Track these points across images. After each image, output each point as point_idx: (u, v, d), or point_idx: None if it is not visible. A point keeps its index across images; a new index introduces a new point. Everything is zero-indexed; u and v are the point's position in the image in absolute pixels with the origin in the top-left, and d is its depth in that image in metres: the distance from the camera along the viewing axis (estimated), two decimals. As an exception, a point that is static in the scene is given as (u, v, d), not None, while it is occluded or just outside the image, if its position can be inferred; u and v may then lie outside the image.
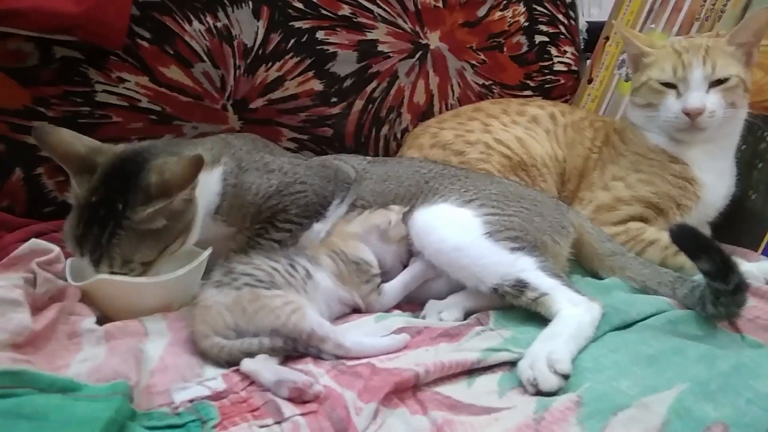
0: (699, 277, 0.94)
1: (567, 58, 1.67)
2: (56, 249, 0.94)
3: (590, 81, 1.64)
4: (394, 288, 1.03)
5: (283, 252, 0.97)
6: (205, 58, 1.33)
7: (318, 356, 0.85)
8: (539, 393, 0.78)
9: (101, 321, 0.92)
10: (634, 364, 0.82)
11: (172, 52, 1.30)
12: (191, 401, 0.75)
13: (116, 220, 0.90)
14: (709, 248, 0.89)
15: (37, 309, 0.86)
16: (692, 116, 1.16)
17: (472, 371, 0.83)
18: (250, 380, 0.79)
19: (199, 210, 0.98)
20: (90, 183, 0.93)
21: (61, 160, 0.94)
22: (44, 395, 0.69)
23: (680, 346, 0.85)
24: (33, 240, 0.94)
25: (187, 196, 0.93)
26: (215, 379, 0.79)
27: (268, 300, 0.85)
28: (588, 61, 1.69)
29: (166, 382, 0.78)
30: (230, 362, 0.83)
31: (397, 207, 1.07)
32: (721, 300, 0.89)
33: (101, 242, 0.90)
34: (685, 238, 0.92)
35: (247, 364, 0.80)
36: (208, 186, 1.01)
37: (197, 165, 0.90)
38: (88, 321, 0.89)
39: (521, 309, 0.95)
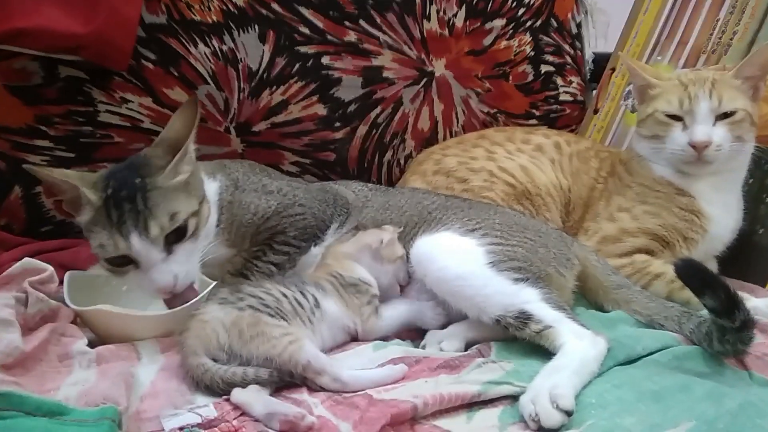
0: (706, 312, 0.92)
1: (573, 88, 1.67)
2: (49, 268, 0.93)
3: (596, 111, 1.64)
4: (391, 315, 1.01)
5: (293, 280, 0.95)
6: (209, 80, 1.33)
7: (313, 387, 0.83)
8: (541, 429, 0.75)
9: (93, 343, 0.90)
10: (639, 401, 0.79)
11: (176, 74, 1.30)
12: (181, 429, 0.73)
13: (141, 190, 0.89)
14: (715, 284, 0.87)
15: (28, 329, 0.85)
16: (699, 149, 1.15)
17: (472, 404, 0.81)
18: (243, 410, 0.77)
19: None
20: (99, 183, 0.92)
21: (67, 177, 0.93)
22: (31, 419, 0.68)
23: (686, 383, 0.83)
24: (26, 259, 0.93)
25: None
26: (207, 406, 0.77)
27: (268, 328, 0.83)
28: (594, 92, 1.69)
29: (156, 408, 0.76)
30: (210, 387, 0.80)
31: (390, 227, 1.05)
32: (727, 337, 0.87)
33: (139, 210, 0.88)
34: (690, 273, 0.90)
35: (237, 395, 0.78)
36: (208, 195, 1.01)
37: (194, 103, 0.94)
38: (80, 343, 0.87)
39: (524, 341, 0.93)
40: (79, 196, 0.91)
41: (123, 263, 0.91)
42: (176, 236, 0.92)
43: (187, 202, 0.93)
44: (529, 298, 0.93)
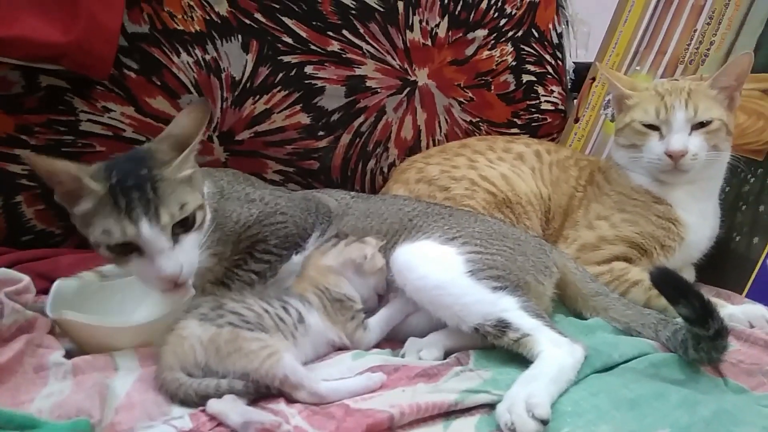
0: (682, 320, 0.93)
1: (554, 97, 1.69)
2: (26, 278, 0.92)
3: (577, 120, 1.66)
4: (378, 324, 1.02)
5: (276, 294, 0.95)
6: (192, 89, 1.33)
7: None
8: (516, 438, 0.75)
9: (73, 353, 0.89)
10: (614, 409, 0.80)
11: (159, 83, 1.30)
12: (156, 440, 0.73)
13: (150, 180, 0.89)
14: (689, 293, 0.88)
15: (2, 340, 0.84)
16: (675, 158, 1.17)
17: (449, 413, 0.81)
18: (219, 420, 0.77)
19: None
20: (99, 174, 0.90)
21: (68, 168, 0.91)
22: (1, 432, 0.67)
23: (662, 391, 0.84)
24: (1, 269, 0.92)
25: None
26: (182, 417, 0.76)
27: (245, 342, 0.83)
28: (575, 101, 1.71)
29: (131, 420, 0.76)
30: (184, 401, 0.80)
31: (373, 240, 1.05)
32: (701, 345, 0.88)
33: (149, 198, 0.88)
34: (664, 281, 0.91)
35: (213, 405, 0.78)
36: None
37: (206, 104, 0.95)
38: (57, 354, 0.86)
39: (503, 349, 0.93)
40: (79, 188, 0.89)
41: (126, 251, 0.90)
42: (183, 227, 0.92)
43: (194, 196, 0.94)
44: (508, 307, 0.93)
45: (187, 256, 0.92)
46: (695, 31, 1.49)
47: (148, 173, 0.90)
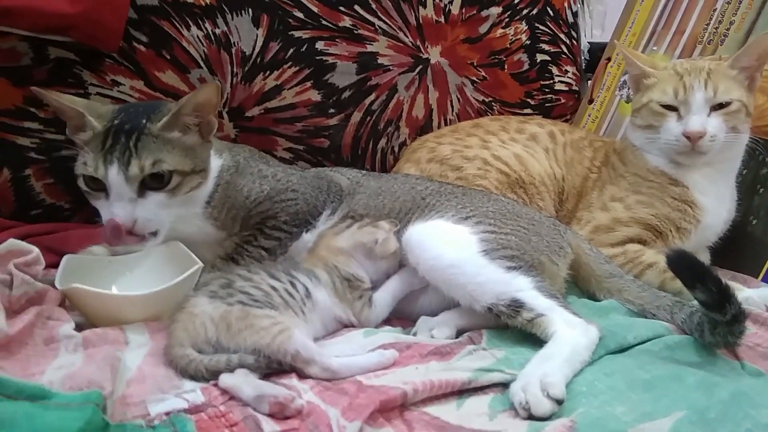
0: (697, 302, 0.92)
1: (568, 77, 1.66)
2: (35, 250, 0.91)
3: (591, 101, 1.63)
4: (384, 298, 1.01)
5: (284, 267, 0.94)
6: (201, 64, 1.31)
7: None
8: (531, 417, 0.75)
9: (82, 327, 0.89)
10: (630, 390, 0.79)
11: (168, 57, 1.28)
12: (167, 414, 0.72)
13: (140, 130, 0.94)
14: (706, 277, 0.86)
15: (12, 312, 0.83)
16: (693, 140, 1.15)
17: (461, 392, 0.80)
18: (231, 394, 0.76)
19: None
20: (108, 114, 0.97)
21: (74, 103, 0.98)
22: (12, 402, 0.66)
23: (678, 373, 0.82)
24: (11, 240, 0.91)
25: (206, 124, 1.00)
26: (194, 391, 0.76)
27: (256, 320, 0.82)
28: (589, 82, 1.68)
29: (143, 393, 0.75)
30: (194, 377, 0.79)
31: (386, 225, 1.04)
32: (718, 330, 0.87)
33: (129, 146, 0.93)
34: (681, 265, 0.90)
35: (225, 379, 0.77)
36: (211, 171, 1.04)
37: (217, 90, 0.97)
38: (67, 326, 0.86)
39: (515, 329, 0.92)
40: (83, 122, 0.96)
41: (96, 189, 0.95)
42: (154, 184, 0.95)
43: (179, 160, 0.97)
44: (522, 287, 0.92)
45: (146, 212, 0.95)
46: (714, 10, 1.46)
47: (144, 124, 0.95)
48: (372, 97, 1.47)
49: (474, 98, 1.57)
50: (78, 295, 0.91)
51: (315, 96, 1.42)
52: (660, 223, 1.19)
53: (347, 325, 0.98)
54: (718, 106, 1.16)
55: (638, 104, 1.24)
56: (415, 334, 0.97)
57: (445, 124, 1.54)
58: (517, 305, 0.91)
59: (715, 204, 1.20)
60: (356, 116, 1.47)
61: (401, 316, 1.04)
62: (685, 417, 0.73)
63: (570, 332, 0.87)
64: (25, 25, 1.13)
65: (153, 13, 1.26)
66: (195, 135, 1.00)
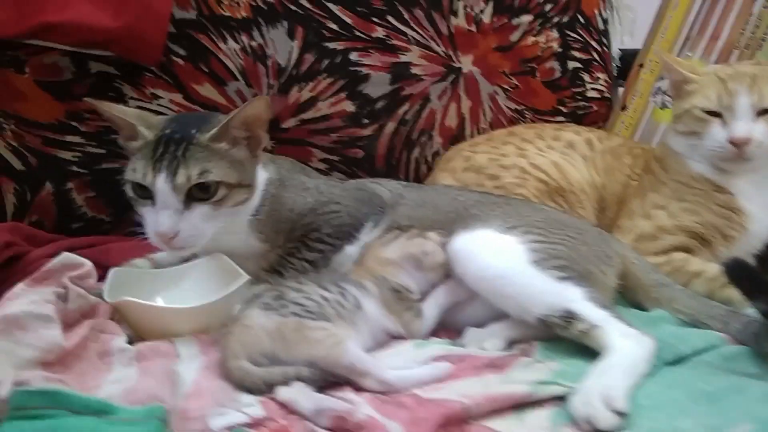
0: (752, 311, 0.90)
1: (600, 84, 1.65)
2: (88, 264, 0.92)
3: (624, 108, 1.62)
4: (431, 309, 0.99)
5: (333, 278, 0.94)
6: (238, 76, 1.32)
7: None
8: (596, 431, 0.73)
9: (132, 340, 0.89)
10: (693, 402, 0.77)
11: (206, 70, 1.29)
12: (229, 428, 0.71)
13: (188, 139, 0.95)
14: (767, 286, 0.84)
15: (68, 325, 0.83)
16: (739, 146, 1.13)
17: (519, 405, 0.79)
18: (289, 408, 0.75)
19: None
20: (159, 124, 0.98)
21: (125, 114, 0.99)
22: (78, 417, 0.66)
23: (740, 384, 0.81)
24: (65, 254, 0.91)
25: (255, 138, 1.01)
26: (253, 405, 0.75)
27: (311, 332, 0.82)
28: (621, 89, 1.67)
29: (202, 407, 0.74)
30: (251, 390, 0.79)
31: (435, 236, 1.03)
32: (778, 342, 0.85)
33: (177, 155, 0.93)
34: (740, 274, 0.88)
35: (283, 393, 0.77)
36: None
37: (266, 103, 0.99)
38: (120, 340, 0.86)
39: (566, 340, 0.91)
40: (134, 133, 0.97)
41: (143, 196, 0.96)
42: (200, 195, 0.95)
43: (226, 172, 0.96)
44: (574, 297, 0.91)
45: (191, 224, 0.95)
46: (751, 15, 1.44)
47: (193, 134, 0.95)
48: (405, 107, 1.47)
49: (506, 107, 1.57)
50: (128, 307, 0.91)
51: (349, 107, 1.42)
52: (705, 231, 1.17)
53: (395, 337, 0.97)
54: (764, 111, 1.14)
55: (679, 110, 1.23)
56: (463, 346, 0.96)
57: (478, 133, 1.53)
58: (569, 316, 0.90)
59: (761, 211, 1.18)
60: (390, 126, 1.47)
61: (446, 327, 1.02)
62: (752, 430, 0.72)
63: (626, 343, 0.85)
64: (68, 40, 1.14)
65: (191, 27, 1.27)
66: (243, 149, 1.00)
